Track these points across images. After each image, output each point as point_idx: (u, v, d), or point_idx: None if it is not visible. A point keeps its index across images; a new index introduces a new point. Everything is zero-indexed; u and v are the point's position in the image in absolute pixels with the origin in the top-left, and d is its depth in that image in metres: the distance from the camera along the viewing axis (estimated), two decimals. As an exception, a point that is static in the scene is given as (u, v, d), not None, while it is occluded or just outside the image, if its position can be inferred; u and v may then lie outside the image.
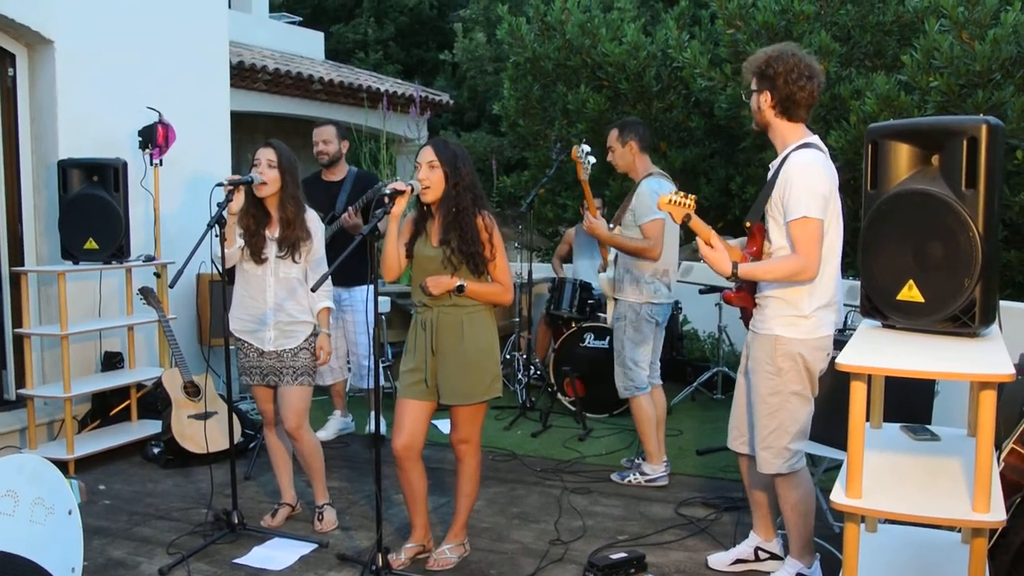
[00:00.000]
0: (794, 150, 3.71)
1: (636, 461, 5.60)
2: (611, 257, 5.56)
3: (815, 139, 3.77)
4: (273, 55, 12.51)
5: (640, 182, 5.39)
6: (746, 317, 3.96)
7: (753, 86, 3.79)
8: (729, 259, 3.64)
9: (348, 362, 6.49)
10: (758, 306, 3.83)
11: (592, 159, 5.34)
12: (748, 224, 3.79)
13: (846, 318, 5.29)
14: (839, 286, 3.80)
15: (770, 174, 3.82)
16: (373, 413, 4.20)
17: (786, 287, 3.69)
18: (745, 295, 3.88)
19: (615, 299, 5.51)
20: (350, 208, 5.96)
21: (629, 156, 5.44)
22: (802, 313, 3.69)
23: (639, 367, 5.39)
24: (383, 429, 5.72)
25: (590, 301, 7.40)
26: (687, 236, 8.68)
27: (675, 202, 3.66)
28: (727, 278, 3.72)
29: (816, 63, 3.79)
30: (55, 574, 3.23)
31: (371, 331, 3.93)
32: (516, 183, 11.53)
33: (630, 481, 5.48)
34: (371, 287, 4.00)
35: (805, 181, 3.59)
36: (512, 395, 7.44)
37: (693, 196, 3.68)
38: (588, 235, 5.75)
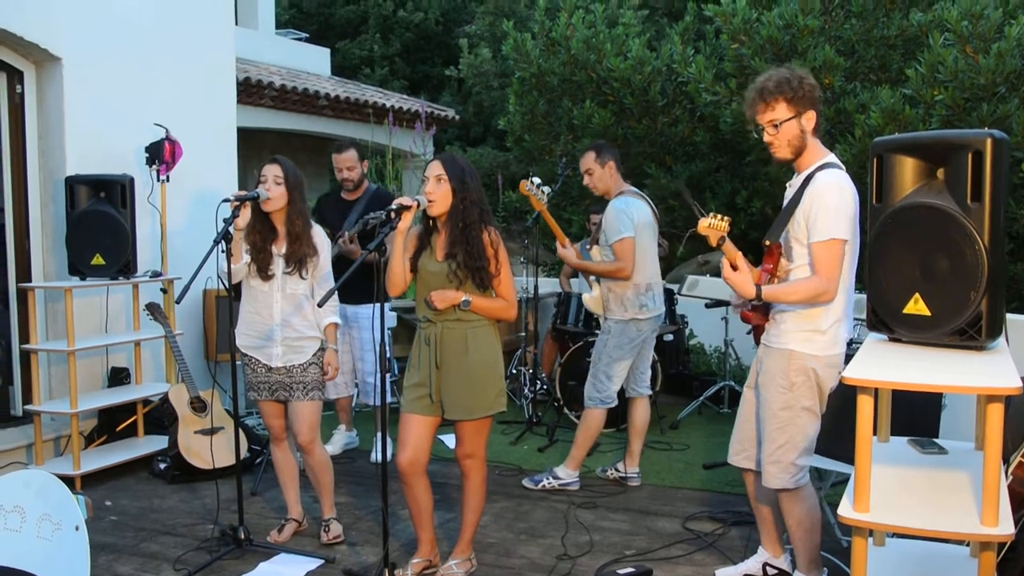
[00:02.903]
0: (818, 169, 3.67)
1: (621, 470, 5.76)
2: (593, 278, 5.65)
3: (834, 158, 3.76)
4: (279, 71, 12.56)
5: (609, 203, 5.45)
6: (756, 333, 3.95)
7: (785, 113, 3.63)
8: (752, 282, 3.62)
9: (355, 378, 6.50)
10: (773, 320, 3.82)
11: (546, 188, 5.44)
12: (767, 243, 3.77)
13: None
14: (851, 300, 3.80)
15: (790, 191, 3.79)
16: (380, 432, 4.20)
17: (802, 305, 3.68)
18: (761, 313, 3.86)
19: (606, 317, 5.57)
20: (347, 233, 5.94)
21: (608, 177, 5.50)
22: (820, 328, 3.68)
23: (611, 381, 5.49)
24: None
25: (596, 316, 7.40)
26: (693, 251, 8.72)
27: (713, 225, 3.61)
28: (750, 301, 3.70)
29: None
30: (62, 590, 3.23)
31: (378, 348, 3.92)
32: (522, 198, 11.53)
33: (543, 485, 5.58)
34: (377, 304, 4.00)
35: (836, 202, 3.56)
36: (518, 410, 7.43)
37: (728, 219, 3.63)
38: (584, 253, 5.82)
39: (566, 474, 5.58)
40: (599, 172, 5.47)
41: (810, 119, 3.67)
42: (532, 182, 5.41)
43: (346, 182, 6.14)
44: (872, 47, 8.15)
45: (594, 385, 5.50)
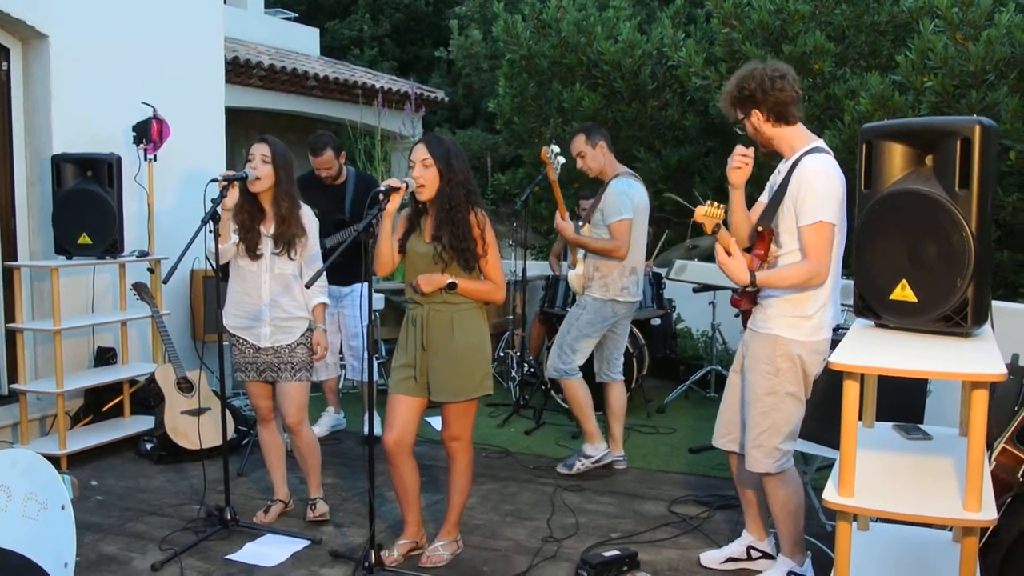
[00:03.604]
0: (805, 154, 3.71)
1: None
2: (580, 255, 5.61)
3: (821, 143, 3.78)
4: (268, 51, 12.48)
5: (609, 182, 5.46)
6: (745, 318, 3.96)
7: (740, 115, 3.82)
8: (747, 268, 3.63)
9: (341, 359, 6.49)
10: (760, 305, 3.83)
11: (562, 159, 5.48)
12: (760, 229, 3.78)
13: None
14: (838, 286, 3.81)
15: (778, 177, 3.82)
16: (367, 410, 4.20)
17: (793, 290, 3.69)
18: (752, 298, 3.87)
19: (583, 295, 5.57)
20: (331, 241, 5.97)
21: (601, 157, 5.49)
22: (805, 314, 3.70)
23: (575, 355, 5.52)
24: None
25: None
26: (681, 236, 8.72)
27: (708, 213, 3.63)
28: (743, 287, 3.71)
29: (780, 63, 3.86)
30: (48, 569, 3.23)
31: (365, 327, 3.93)
32: (511, 181, 11.54)
33: (577, 468, 5.57)
34: (364, 284, 4.00)
35: (823, 186, 3.60)
36: (506, 392, 7.44)
37: (723, 206, 3.66)
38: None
39: (593, 449, 5.59)
40: (591, 153, 5.47)
41: (757, 117, 3.78)
42: (552, 150, 5.46)
43: (326, 178, 6.20)
44: (862, 33, 8.15)
45: (559, 356, 5.53)
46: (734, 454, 4.08)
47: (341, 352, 6.47)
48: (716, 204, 3.63)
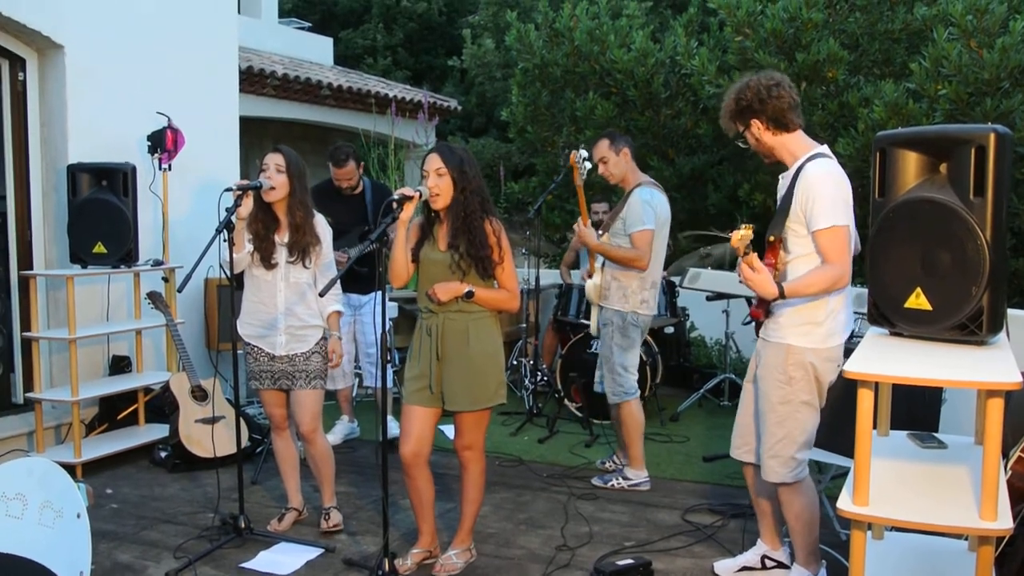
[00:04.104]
0: (807, 161, 3.70)
1: (617, 462, 5.72)
2: (598, 264, 5.56)
3: (824, 148, 3.78)
4: (282, 61, 12.54)
5: (632, 191, 5.39)
6: (758, 326, 3.95)
7: (740, 128, 3.84)
8: (773, 282, 3.61)
9: (357, 367, 6.50)
10: (771, 314, 3.82)
11: (588, 164, 5.41)
12: (771, 238, 3.77)
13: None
14: (849, 291, 3.80)
15: (783, 184, 3.81)
16: (381, 419, 4.20)
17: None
18: (768, 308, 3.86)
19: (600, 306, 5.51)
20: (350, 253, 5.98)
21: (623, 164, 5.43)
22: (816, 321, 3.69)
23: (628, 372, 5.42)
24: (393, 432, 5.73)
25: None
26: (694, 243, 8.72)
27: (743, 237, 3.59)
28: (772, 300, 3.68)
29: (775, 72, 3.88)
30: (63, 577, 3.24)
31: (379, 335, 3.94)
32: (524, 189, 11.55)
33: (612, 485, 5.51)
34: (377, 293, 4.01)
35: (829, 190, 3.59)
36: (519, 401, 7.44)
37: (752, 226, 3.64)
38: None
39: (634, 475, 5.51)
40: (614, 159, 5.41)
41: (756, 127, 3.78)
42: (581, 155, 5.41)
43: (346, 189, 6.23)
44: (876, 41, 8.13)
45: (614, 380, 5.42)
46: (750, 465, 4.06)
47: (356, 361, 6.48)
48: (747, 226, 3.61)
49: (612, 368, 5.42)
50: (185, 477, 5.68)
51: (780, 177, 3.87)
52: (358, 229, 6.10)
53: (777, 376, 3.76)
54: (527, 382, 7.51)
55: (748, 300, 3.96)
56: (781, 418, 3.76)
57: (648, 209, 5.28)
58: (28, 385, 6.02)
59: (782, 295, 3.59)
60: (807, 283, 3.64)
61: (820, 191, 3.59)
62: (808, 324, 3.70)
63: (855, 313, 4.83)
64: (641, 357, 5.67)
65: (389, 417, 4.08)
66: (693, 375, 7.90)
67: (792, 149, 3.78)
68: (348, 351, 6.22)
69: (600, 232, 5.50)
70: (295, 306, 4.61)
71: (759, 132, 3.78)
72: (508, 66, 16.23)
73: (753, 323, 3.98)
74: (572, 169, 5.47)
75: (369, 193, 6.30)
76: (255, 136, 11.26)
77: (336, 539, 4.67)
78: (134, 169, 5.96)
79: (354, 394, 6.75)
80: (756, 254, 3.62)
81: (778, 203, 3.83)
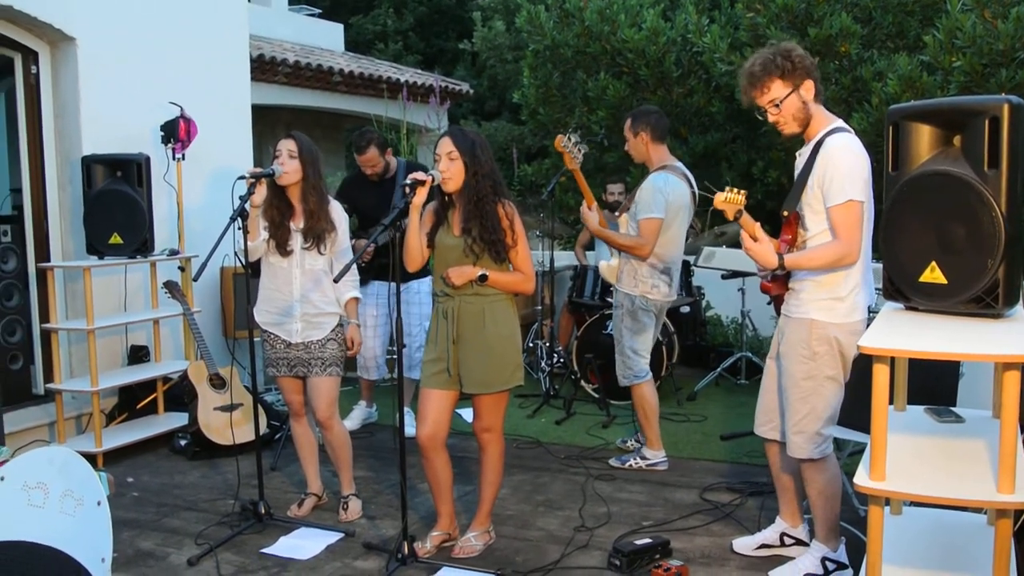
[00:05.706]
0: (827, 135, 3.66)
1: (635, 443, 5.72)
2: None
3: (841, 122, 3.74)
4: (293, 48, 12.54)
5: (649, 176, 5.33)
6: (777, 304, 3.93)
7: (782, 90, 3.65)
8: (774, 252, 3.60)
9: (389, 354, 6.46)
10: (792, 290, 3.80)
11: (583, 147, 5.23)
12: (785, 213, 3.75)
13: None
14: (869, 266, 3.78)
15: (801, 160, 3.78)
16: (398, 403, 4.21)
17: (824, 271, 3.66)
18: (782, 283, 3.84)
19: (614, 288, 5.51)
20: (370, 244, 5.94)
21: (642, 147, 5.35)
22: (839, 296, 3.67)
23: (638, 355, 5.40)
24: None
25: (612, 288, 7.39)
26: (711, 222, 8.69)
27: (729, 199, 3.59)
28: (772, 271, 3.68)
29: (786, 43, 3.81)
30: (85, 565, 3.26)
31: (394, 322, 3.95)
32: (537, 171, 11.53)
33: (630, 465, 5.51)
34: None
35: (849, 164, 3.55)
36: (535, 383, 7.45)
37: (744, 192, 3.61)
38: (609, 222, 5.71)
39: (652, 454, 5.51)
40: (631, 141, 5.36)
41: (808, 89, 3.68)
42: (569, 138, 5.17)
43: (373, 175, 6.14)
44: (889, 13, 8.06)
45: (623, 363, 5.42)
46: (773, 443, 4.04)
47: (390, 348, 6.43)
48: (736, 190, 3.58)
49: (622, 351, 5.42)
50: (205, 464, 5.72)
51: (797, 154, 3.84)
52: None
53: (801, 351, 3.74)
54: (543, 364, 7.51)
55: (763, 276, 3.93)
56: (805, 394, 3.74)
57: (659, 196, 5.19)
58: (48, 376, 6.06)
59: (782, 266, 3.59)
60: (809, 257, 3.63)
61: (839, 165, 3.55)
62: (831, 299, 3.68)
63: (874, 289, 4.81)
64: (657, 337, 5.66)
65: (406, 410, 4.07)
66: (710, 354, 7.89)
67: (815, 121, 3.74)
68: (378, 344, 6.24)
69: (617, 214, 5.47)
70: (310, 293, 4.62)
71: (807, 94, 3.68)
72: (519, 48, 16.17)
73: (772, 301, 3.97)
74: (563, 154, 5.28)
75: (401, 175, 6.09)
76: (267, 124, 11.27)
77: (356, 523, 4.70)
78: (148, 159, 5.98)
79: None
80: (757, 223, 3.62)
81: (796, 178, 3.80)
